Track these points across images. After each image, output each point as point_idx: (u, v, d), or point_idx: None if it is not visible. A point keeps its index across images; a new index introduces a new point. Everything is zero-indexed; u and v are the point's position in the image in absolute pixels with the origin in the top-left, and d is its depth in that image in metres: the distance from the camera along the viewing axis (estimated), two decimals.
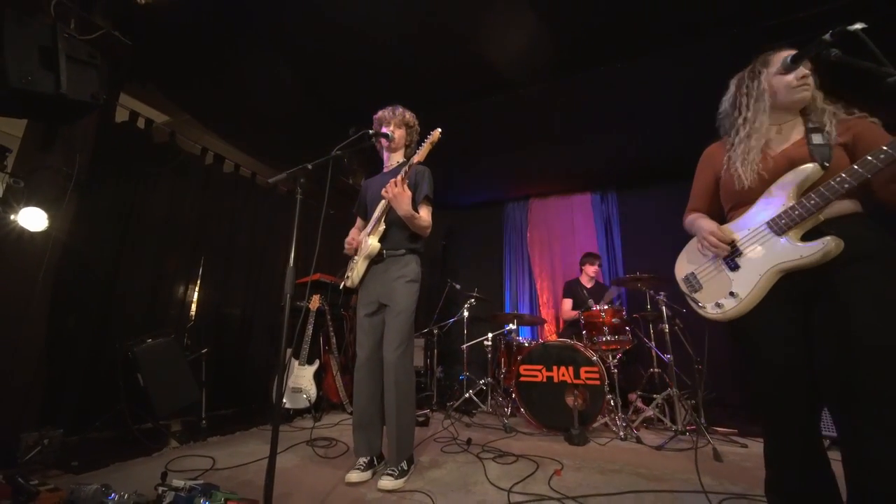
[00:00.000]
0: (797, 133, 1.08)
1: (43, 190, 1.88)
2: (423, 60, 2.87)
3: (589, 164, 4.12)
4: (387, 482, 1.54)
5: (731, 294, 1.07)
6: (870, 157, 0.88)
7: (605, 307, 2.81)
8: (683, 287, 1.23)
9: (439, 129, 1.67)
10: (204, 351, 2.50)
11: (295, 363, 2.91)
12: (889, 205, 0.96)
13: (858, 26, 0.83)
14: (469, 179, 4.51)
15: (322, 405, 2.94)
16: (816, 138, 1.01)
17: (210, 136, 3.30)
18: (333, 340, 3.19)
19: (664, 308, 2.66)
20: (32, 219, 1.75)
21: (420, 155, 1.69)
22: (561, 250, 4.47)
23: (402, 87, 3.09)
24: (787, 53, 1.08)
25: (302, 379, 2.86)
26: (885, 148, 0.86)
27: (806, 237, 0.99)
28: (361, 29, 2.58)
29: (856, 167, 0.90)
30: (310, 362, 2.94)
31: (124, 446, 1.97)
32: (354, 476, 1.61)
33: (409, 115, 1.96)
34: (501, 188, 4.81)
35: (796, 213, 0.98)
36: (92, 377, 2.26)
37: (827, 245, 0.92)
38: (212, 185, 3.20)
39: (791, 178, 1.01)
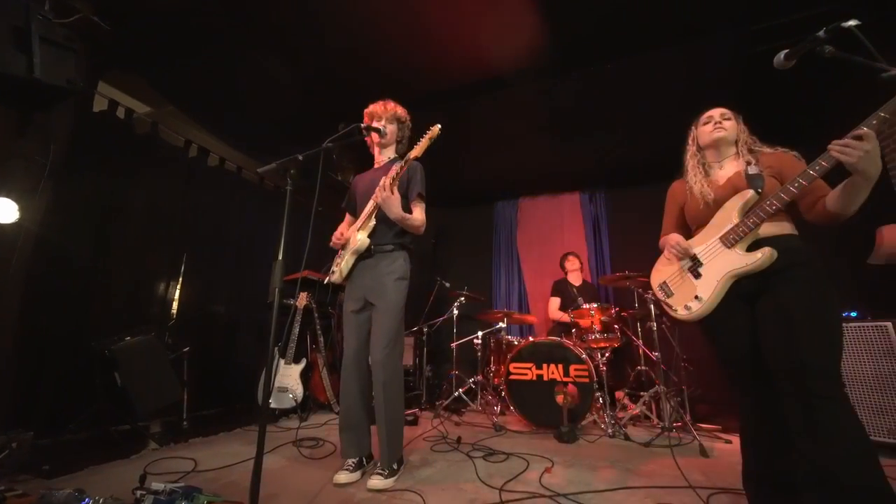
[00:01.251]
0: (737, 166, 1.35)
1: (15, 179, 1.78)
2: (414, 56, 2.84)
3: (578, 164, 4.14)
4: (376, 482, 1.51)
5: (697, 297, 1.29)
6: (788, 186, 1.12)
7: (595, 306, 2.83)
8: (659, 294, 1.45)
9: (439, 125, 1.66)
10: (186, 349, 2.41)
11: (281, 362, 2.84)
12: (816, 223, 1.20)
13: (853, 23, 0.84)
14: (459, 178, 4.49)
15: (309, 405, 2.88)
16: (752, 170, 1.26)
17: (194, 129, 3.20)
18: (321, 339, 3.13)
19: (652, 306, 2.69)
20: (2, 210, 1.66)
21: (418, 150, 1.67)
22: (550, 249, 4.49)
23: (394, 82, 3.05)
24: (709, 111, 1.43)
25: (288, 378, 2.79)
26: (798, 179, 1.10)
27: (750, 248, 1.22)
28: (353, 23, 2.54)
29: (780, 193, 1.14)
30: (296, 361, 2.88)
31: (100, 449, 1.88)
32: (343, 477, 1.58)
33: (400, 111, 1.93)
34: (491, 187, 4.80)
35: (740, 230, 1.21)
36: (67, 377, 2.16)
37: (765, 254, 1.16)
38: (196, 178, 3.10)
39: (735, 203, 1.26)
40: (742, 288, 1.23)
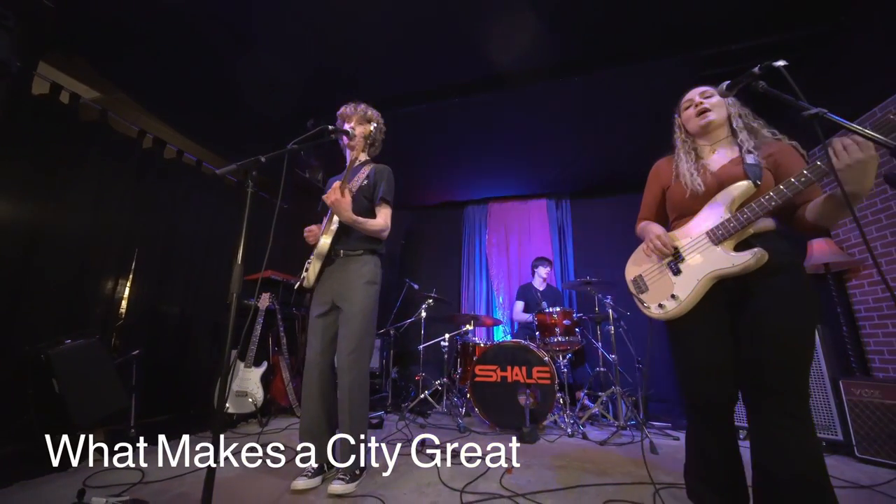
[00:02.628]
0: (732, 152, 1.21)
1: None
2: (385, 57, 2.83)
3: (545, 172, 4.28)
4: (337, 487, 1.49)
5: (673, 296, 1.18)
6: (793, 180, 1.01)
7: (558, 309, 2.93)
8: (632, 288, 1.33)
9: (374, 125, 1.76)
10: (136, 353, 2.27)
11: (240, 365, 2.73)
12: (795, 228, 1.13)
13: (781, 63, 0.94)
14: (430, 181, 4.51)
15: (270, 410, 2.79)
16: (750, 158, 1.14)
17: (149, 118, 3.01)
18: (284, 341, 3.04)
19: (610, 311, 2.82)
20: None
21: (357, 152, 1.70)
22: (517, 253, 4.60)
23: (363, 82, 3.03)
24: (687, 93, 1.32)
25: (248, 382, 2.69)
26: (804, 172, 0.99)
27: (738, 248, 1.11)
28: (323, 18, 2.49)
29: (781, 187, 1.02)
30: (257, 364, 2.78)
31: (32, 462, 1.73)
32: (301, 483, 1.54)
33: (371, 112, 1.91)
34: (462, 191, 4.86)
35: (731, 225, 1.10)
36: None
37: (756, 255, 1.05)
38: (150, 171, 2.92)
39: (729, 193, 1.13)
40: (722, 292, 1.12)
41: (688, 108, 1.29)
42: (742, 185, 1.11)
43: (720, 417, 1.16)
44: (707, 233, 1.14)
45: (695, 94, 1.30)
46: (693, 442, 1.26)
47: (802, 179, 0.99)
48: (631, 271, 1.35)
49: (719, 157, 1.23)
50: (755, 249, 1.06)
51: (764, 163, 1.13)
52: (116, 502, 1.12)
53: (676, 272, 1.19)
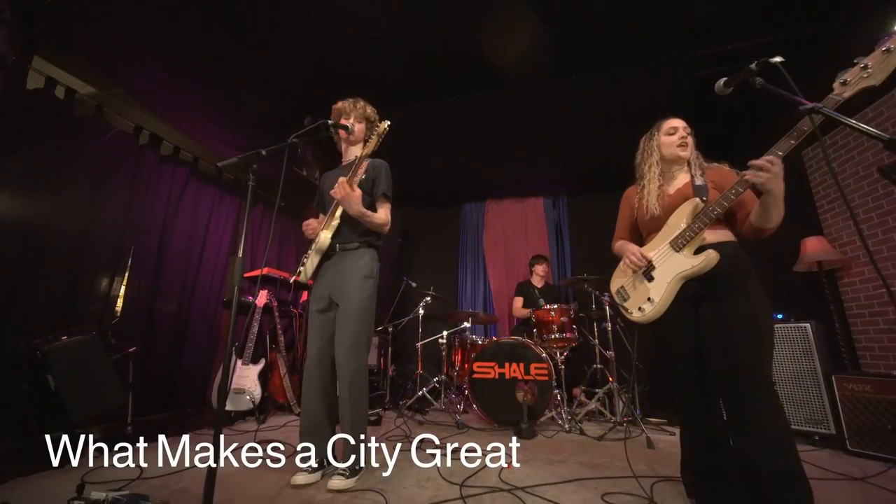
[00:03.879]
0: (685, 178, 1.46)
1: None
2: (384, 56, 2.83)
3: (541, 170, 4.30)
4: (337, 482, 1.50)
5: (649, 300, 1.37)
6: (728, 193, 1.23)
7: (556, 306, 2.95)
8: (616, 298, 1.53)
9: (388, 122, 1.69)
10: (132, 350, 2.26)
11: (238, 362, 2.73)
12: (746, 237, 1.32)
13: (778, 59, 0.96)
14: (427, 179, 4.51)
15: (267, 407, 2.78)
16: (699, 181, 1.38)
17: (145, 114, 2.99)
18: (281, 338, 3.03)
19: (607, 308, 2.85)
20: None
21: (368, 148, 1.67)
22: (514, 251, 4.62)
23: (364, 80, 3.03)
24: (671, 120, 1.49)
25: (245, 379, 2.69)
26: (736, 187, 1.21)
27: (697, 253, 1.31)
28: (324, 18, 2.49)
29: (721, 200, 1.24)
30: (254, 361, 2.77)
31: (28, 459, 1.72)
32: (301, 478, 1.55)
33: (370, 109, 1.91)
34: (459, 189, 4.87)
35: (687, 234, 1.31)
36: None
37: (708, 255, 1.26)
38: (146, 167, 2.90)
39: (684, 210, 1.36)
40: (689, 290, 1.31)
41: (672, 134, 1.47)
42: (692, 203, 1.34)
43: (693, 384, 1.35)
44: (670, 243, 1.35)
45: (680, 124, 1.48)
46: (685, 436, 1.40)
47: (733, 191, 1.22)
48: (614, 284, 1.55)
49: (676, 183, 1.47)
50: (707, 251, 1.27)
51: (710, 184, 1.37)
52: (117, 496, 1.12)
53: (650, 279, 1.39)
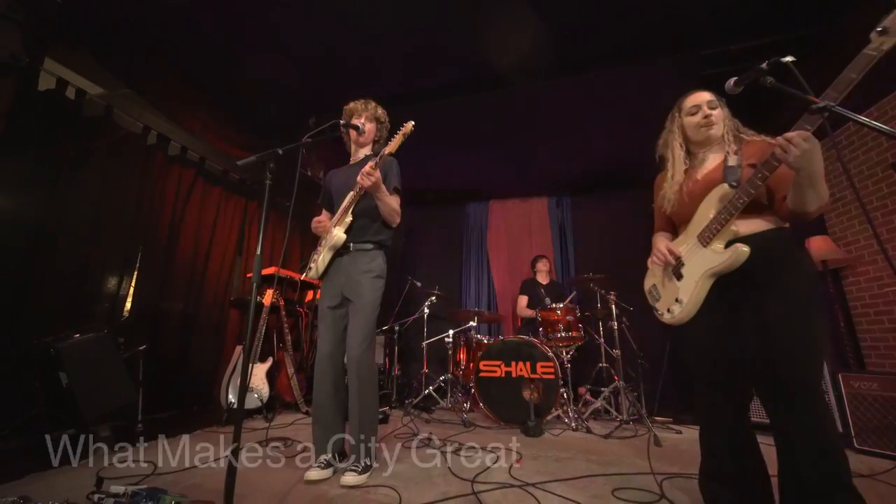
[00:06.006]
0: (717, 158, 1.26)
1: None
2: (390, 55, 2.85)
3: (545, 170, 4.31)
4: (350, 478, 1.51)
5: (677, 300, 1.23)
6: (752, 179, 1.06)
7: (561, 305, 2.96)
8: (650, 299, 1.38)
9: (412, 122, 1.68)
10: (142, 348, 2.27)
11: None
12: (785, 220, 1.16)
13: (789, 59, 0.97)
14: (431, 179, 4.53)
15: (275, 405, 2.80)
16: (731, 161, 1.18)
17: (153, 115, 3.01)
18: (288, 337, 3.05)
19: (613, 306, 2.86)
20: None
21: (392, 146, 1.68)
22: (518, 251, 4.63)
23: (369, 80, 3.05)
24: (694, 96, 1.30)
25: (253, 377, 2.70)
26: (760, 170, 1.05)
27: (728, 246, 1.15)
28: (325, 17, 2.51)
29: (745, 186, 1.08)
30: (262, 360, 2.79)
31: (41, 455, 1.73)
32: (314, 474, 1.56)
33: (381, 111, 1.94)
34: (463, 189, 4.89)
35: (713, 226, 1.16)
36: None
37: (735, 250, 1.10)
38: (153, 167, 2.92)
39: (712, 198, 1.19)
40: (725, 291, 1.16)
41: (694, 112, 1.29)
42: (720, 189, 1.17)
43: (734, 412, 1.19)
44: (697, 236, 1.20)
45: (703, 100, 1.29)
46: (709, 443, 1.25)
47: (759, 176, 1.05)
48: (647, 282, 1.41)
49: (708, 164, 1.28)
50: (734, 245, 1.11)
51: (746, 162, 1.17)
52: (137, 490, 1.13)
53: (679, 277, 1.24)
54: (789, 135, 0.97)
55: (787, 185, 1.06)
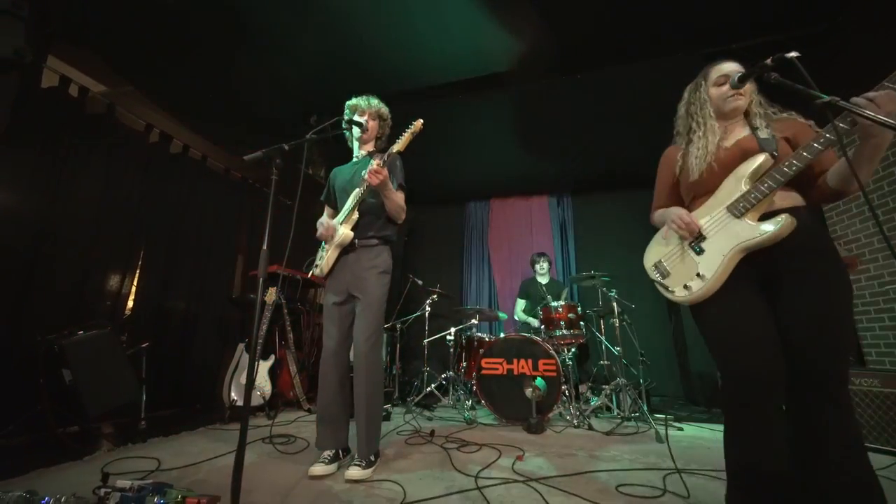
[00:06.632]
0: (742, 131, 1.22)
1: None
2: (388, 55, 2.85)
3: (546, 169, 4.32)
4: (355, 472, 1.52)
5: (699, 275, 1.12)
6: (813, 143, 1.00)
7: (562, 303, 2.96)
8: (653, 274, 1.28)
9: (421, 120, 1.67)
10: (145, 345, 2.28)
11: (247, 358, 2.74)
12: (816, 201, 1.12)
13: (794, 54, 0.97)
14: (432, 178, 4.53)
15: (277, 402, 2.80)
16: (762, 133, 1.14)
17: (156, 113, 3.01)
18: (290, 335, 3.05)
19: (615, 304, 2.86)
20: None
21: (401, 144, 1.68)
22: (519, 249, 4.64)
23: (371, 78, 3.05)
24: (722, 66, 1.26)
25: (255, 375, 2.70)
26: (825, 134, 0.98)
27: (762, 220, 1.08)
28: (329, 17, 2.51)
29: (801, 152, 1.01)
30: (264, 358, 2.79)
31: (45, 452, 1.74)
32: (319, 469, 1.57)
33: (383, 109, 1.94)
34: (464, 187, 4.89)
35: (752, 196, 1.07)
36: (1, 375, 1.97)
37: (784, 220, 1.02)
38: (156, 165, 2.93)
39: (746, 167, 1.12)
40: (752, 268, 1.08)
41: (722, 83, 1.22)
42: (759, 157, 1.10)
43: (764, 398, 1.02)
44: (727, 207, 1.11)
45: (733, 69, 1.22)
46: (733, 435, 1.08)
47: (822, 141, 0.98)
48: (650, 258, 1.31)
49: (733, 135, 1.22)
50: (782, 216, 1.03)
51: (778, 135, 1.12)
52: (142, 484, 1.14)
53: (699, 252, 1.15)
54: (870, 94, 0.89)
55: (822, 163, 1.04)
